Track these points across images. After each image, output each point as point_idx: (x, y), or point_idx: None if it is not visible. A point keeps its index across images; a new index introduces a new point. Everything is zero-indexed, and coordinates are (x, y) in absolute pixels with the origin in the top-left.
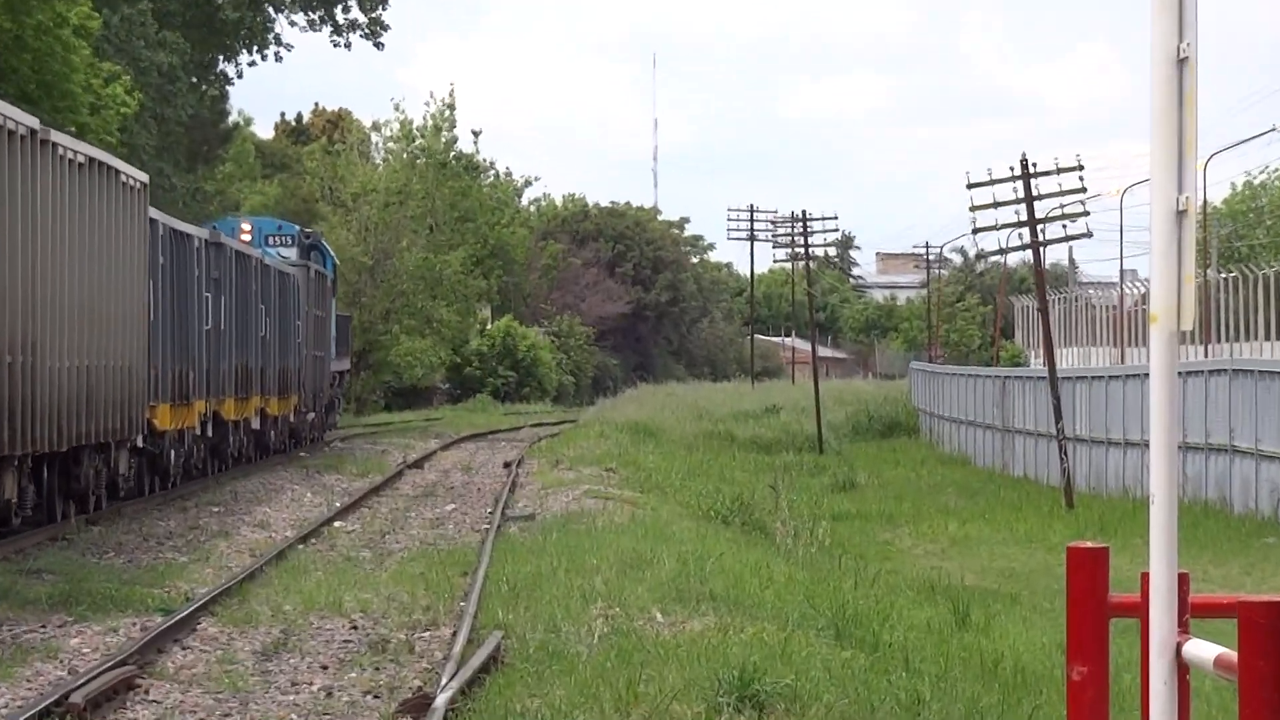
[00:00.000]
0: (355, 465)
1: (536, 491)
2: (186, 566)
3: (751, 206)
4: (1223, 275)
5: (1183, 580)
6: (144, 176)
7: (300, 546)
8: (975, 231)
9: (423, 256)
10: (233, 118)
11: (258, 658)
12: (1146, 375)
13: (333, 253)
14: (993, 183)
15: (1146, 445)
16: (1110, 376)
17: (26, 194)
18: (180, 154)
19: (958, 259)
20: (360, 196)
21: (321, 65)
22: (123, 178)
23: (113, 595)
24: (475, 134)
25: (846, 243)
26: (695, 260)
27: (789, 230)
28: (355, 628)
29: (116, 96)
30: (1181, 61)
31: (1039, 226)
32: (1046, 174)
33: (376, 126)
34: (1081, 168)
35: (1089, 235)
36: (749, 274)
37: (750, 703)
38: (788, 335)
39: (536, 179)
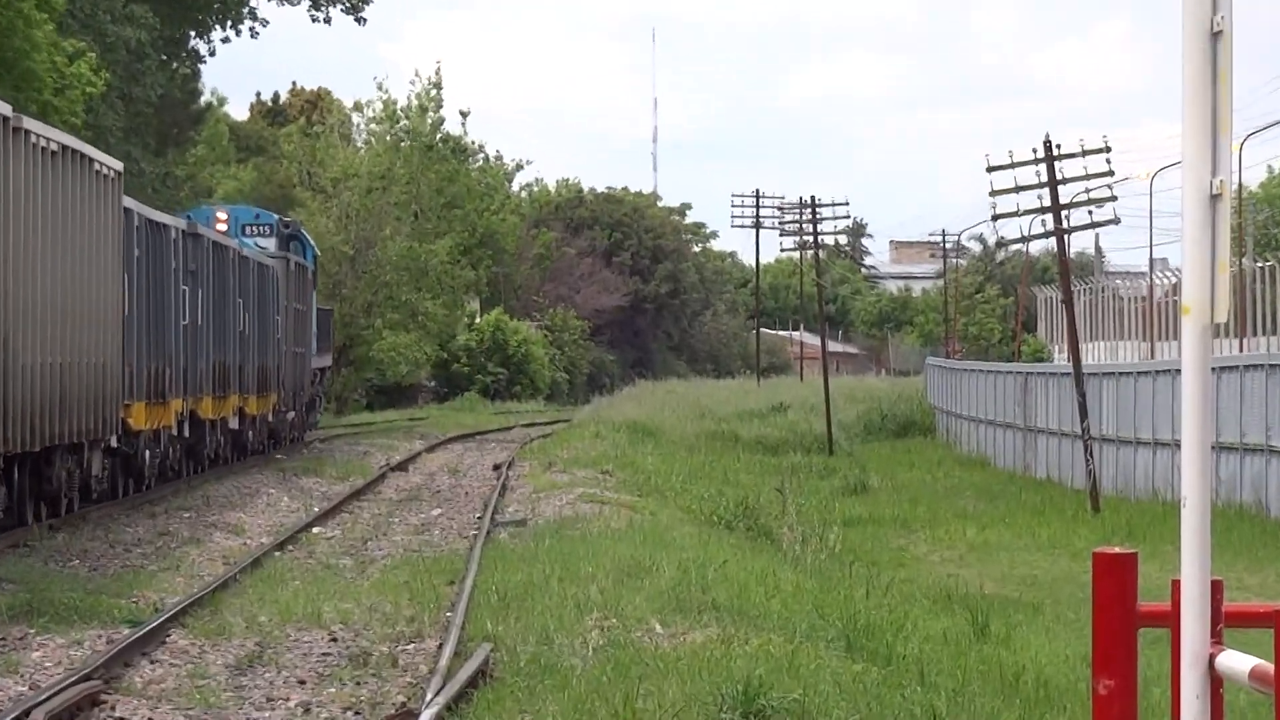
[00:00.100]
0: (335, 468)
1: (528, 495)
2: (156, 575)
3: (757, 192)
4: (1259, 264)
5: (1216, 588)
6: (118, 165)
7: (277, 554)
8: (995, 218)
9: (407, 245)
10: (205, 98)
11: (231, 672)
12: (1178, 371)
13: (313, 243)
14: (1014, 166)
15: (1177, 445)
16: (1139, 372)
17: None
18: (149, 136)
19: (976, 247)
20: (341, 181)
21: (300, 42)
22: (96, 166)
23: (77, 605)
24: (463, 115)
25: (858, 230)
26: (697, 249)
27: (797, 217)
28: (335, 640)
29: (82, 75)
30: (1215, 35)
31: (1063, 212)
32: (1071, 156)
33: (358, 107)
34: (1109, 149)
35: (1116, 222)
36: (754, 264)
37: (755, 719)
38: (795, 329)
39: (528, 163)
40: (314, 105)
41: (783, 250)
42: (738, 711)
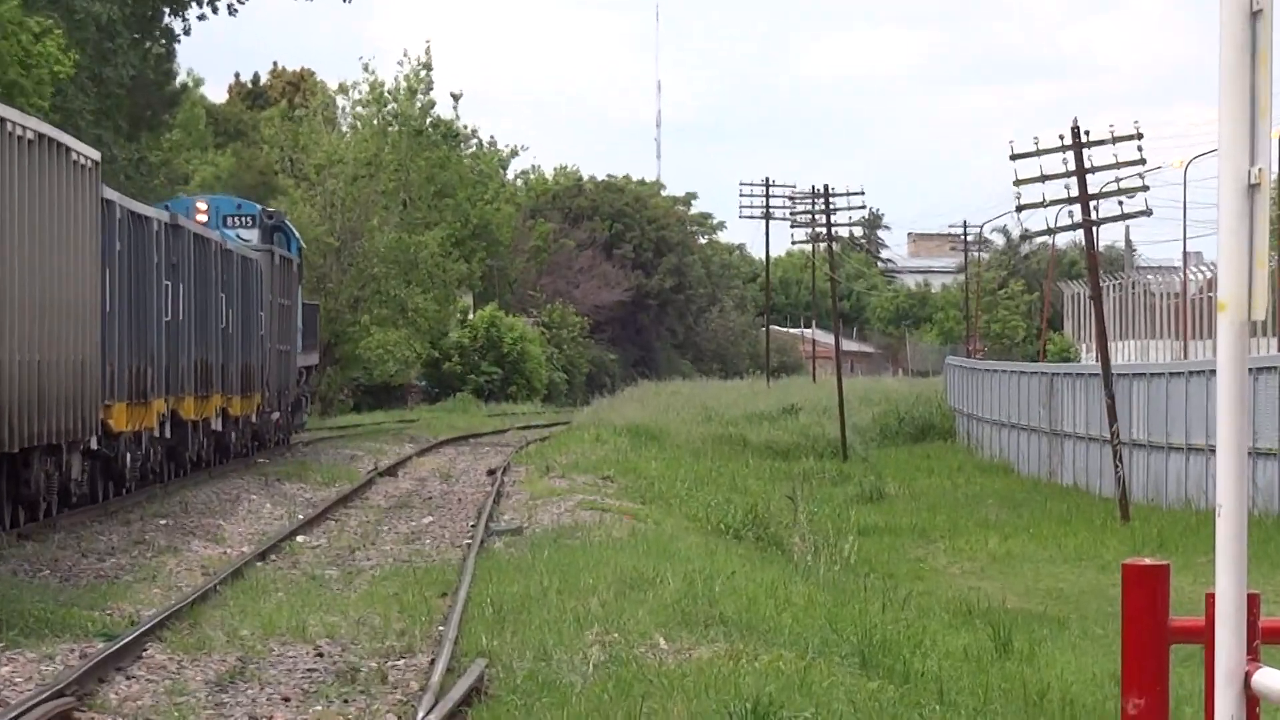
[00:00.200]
0: (320, 473)
1: (524, 502)
2: (131, 586)
3: (767, 180)
4: None
5: (1253, 601)
6: (95, 154)
7: (259, 564)
8: (1019, 209)
9: (396, 236)
10: (181, 79)
11: (211, 688)
12: (1212, 371)
13: (298, 235)
14: (1039, 153)
15: (1212, 450)
16: (1171, 373)
17: None
18: (121, 120)
19: (1000, 240)
20: (325, 168)
21: (281, 20)
22: (73, 155)
23: (48, 618)
24: (455, 98)
25: (874, 222)
26: (703, 241)
27: (809, 207)
28: (321, 655)
29: (49, 54)
30: (1255, 14)
31: (1091, 203)
32: (1100, 144)
33: (343, 89)
34: (1140, 136)
35: (1148, 213)
36: (764, 257)
37: None
38: (807, 326)
39: (524, 149)
40: (296, 87)
41: (794, 243)
42: None
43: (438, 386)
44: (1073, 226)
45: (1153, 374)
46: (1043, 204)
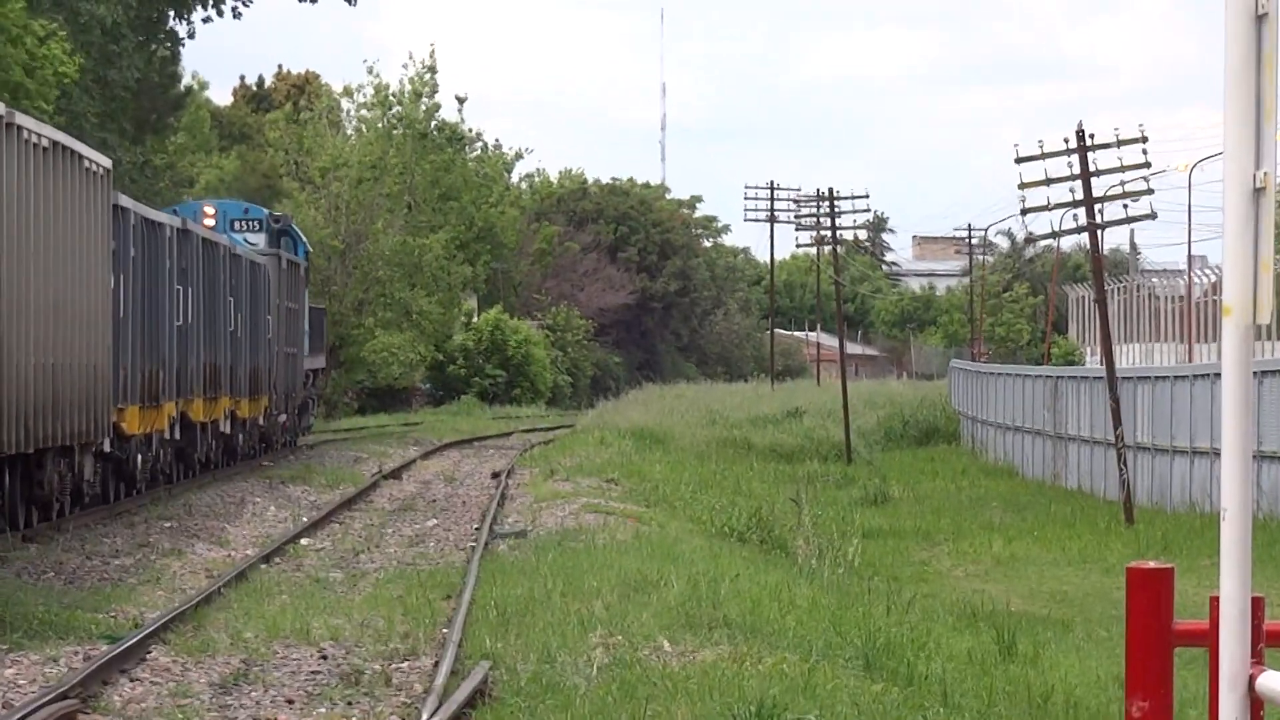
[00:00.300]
0: (324, 475)
1: (529, 505)
2: (135, 588)
3: (771, 184)
4: None
5: (1257, 605)
6: (107, 162)
7: (263, 566)
8: (1024, 212)
9: (400, 239)
10: (185, 82)
11: (215, 690)
12: (1217, 375)
13: (304, 239)
14: (1044, 156)
15: (1217, 454)
16: (1176, 376)
17: None
18: (126, 122)
19: (1004, 243)
20: (330, 171)
21: (286, 23)
22: (86, 163)
23: (52, 620)
24: (460, 100)
25: (879, 225)
26: (708, 244)
27: (814, 210)
28: (325, 657)
29: (53, 56)
30: (1261, 18)
31: (1096, 206)
32: (1105, 147)
33: (348, 92)
34: (1145, 139)
35: (1153, 216)
36: (768, 260)
37: None
38: (812, 330)
39: (529, 151)
40: (301, 90)
41: (799, 246)
42: None
43: (442, 389)
44: (1078, 230)
45: (1157, 377)
46: (1047, 207)
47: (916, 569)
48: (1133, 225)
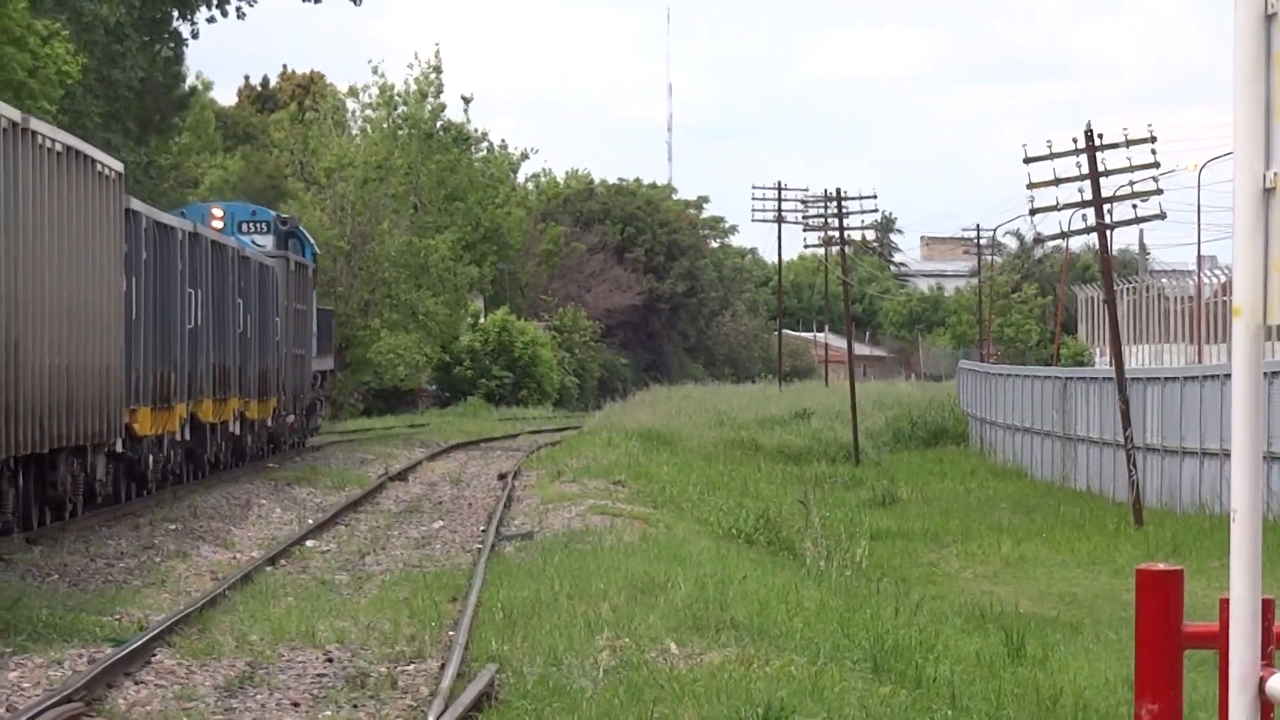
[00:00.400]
0: (330, 477)
1: (535, 507)
2: (140, 591)
3: (779, 184)
4: None
5: (1267, 607)
6: (119, 165)
7: (268, 569)
8: (1033, 212)
9: (406, 240)
10: (190, 82)
11: (220, 693)
12: (1227, 376)
13: (312, 240)
14: (1053, 157)
15: (1227, 455)
16: (1186, 377)
17: (9, 187)
18: (130, 123)
19: (1013, 244)
20: (335, 172)
21: (291, 23)
22: (98, 167)
23: (56, 623)
24: (465, 100)
25: (887, 225)
26: (715, 245)
27: (822, 211)
28: (330, 660)
29: (56, 54)
30: (1270, 17)
31: (1105, 206)
32: (1114, 147)
33: (353, 92)
34: (1154, 139)
35: (1162, 217)
36: (776, 261)
37: None
38: (820, 330)
39: (534, 152)
40: (306, 90)
41: (806, 246)
42: None
43: (448, 390)
44: (1087, 230)
45: (1167, 378)
46: (1056, 207)
47: (925, 570)
48: (1142, 225)
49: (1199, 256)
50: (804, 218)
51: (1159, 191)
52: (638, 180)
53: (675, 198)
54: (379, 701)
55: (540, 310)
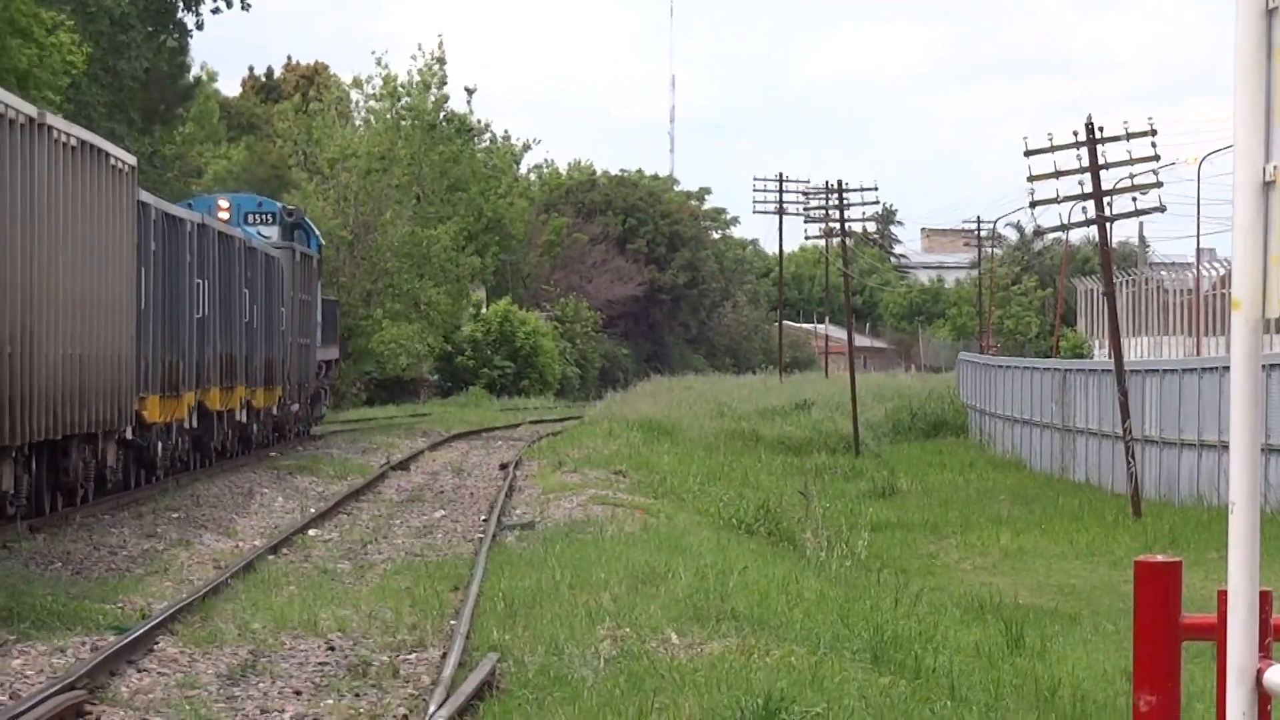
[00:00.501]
0: (332, 466)
1: (536, 497)
2: (142, 579)
3: (780, 176)
4: None
5: (1265, 599)
6: (131, 159)
7: (270, 557)
8: (1033, 205)
9: (409, 230)
10: (194, 72)
11: (223, 681)
12: (1226, 368)
13: (317, 231)
14: (1053, 149)
15: (1225, 447)
16: (1184, 370)
17: (25, 181)
18: (135, 113)
19: (1013, 236)
20: (338, 162)
21: (295, 14)
22: (112, 160)
23: (59, 611)
24: (469, 92)
25: (887, 217)
26: (716, 236)
27: (823, 203)
28: (332, 648)
29: (61, 44)
30: (1272, 11)
31: (1105, 199)
32: (1114, 140)
33: (357, 83)
34: (1154, 133)
35: (1162, 209)
36: (777, 252)
37: None
38: (820, 322)
39: (537, 143)
40: (310, 81)
41: (807, 238)
42: None
43: (450, 380)
44: (1086, 223)
45: (1166, 370)
46: (1057, 200)
47: (924, 562)
48: (1141, 218)
49: (1198, 249)
50: (805, 209)
51: (1159, 184)
52: (639, 172)
53: (677, 189)
54: (381, 690)
55: (542, 300)
